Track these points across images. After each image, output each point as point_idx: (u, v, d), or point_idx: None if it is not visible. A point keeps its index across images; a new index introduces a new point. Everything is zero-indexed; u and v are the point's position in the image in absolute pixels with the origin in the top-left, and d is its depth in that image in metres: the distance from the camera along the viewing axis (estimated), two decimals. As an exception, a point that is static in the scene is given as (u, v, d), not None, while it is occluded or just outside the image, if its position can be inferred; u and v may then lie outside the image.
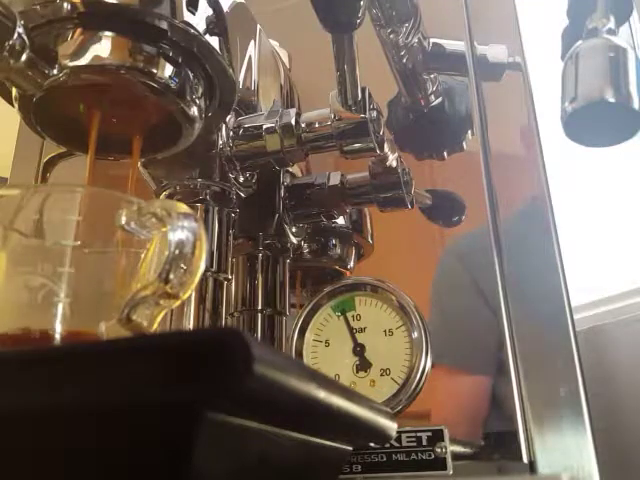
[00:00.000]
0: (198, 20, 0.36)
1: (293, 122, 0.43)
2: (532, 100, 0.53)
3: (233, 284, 0.49)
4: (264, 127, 0.44)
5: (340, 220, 0.52)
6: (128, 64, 0.34)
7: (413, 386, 0.43)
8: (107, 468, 0.21)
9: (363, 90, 0.42)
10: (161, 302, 0.28)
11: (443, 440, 0.39)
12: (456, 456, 0.41)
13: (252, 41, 0.49)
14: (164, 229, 0.28)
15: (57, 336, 0.27)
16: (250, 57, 0.49)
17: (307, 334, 0.47)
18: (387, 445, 0.40)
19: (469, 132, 0.54)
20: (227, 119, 0.44)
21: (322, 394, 0.23)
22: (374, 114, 0.42)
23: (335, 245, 0.53)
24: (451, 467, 0.39)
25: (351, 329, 0.47)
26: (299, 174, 0.52)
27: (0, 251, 0.29)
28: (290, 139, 0.43)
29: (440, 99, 0.57)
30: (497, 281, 0.47)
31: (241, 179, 0.45)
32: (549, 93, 0.48)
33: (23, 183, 0.66)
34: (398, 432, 0.39)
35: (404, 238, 0.54)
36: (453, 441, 0.40)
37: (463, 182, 0.53)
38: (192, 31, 0.36)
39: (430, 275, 0.52)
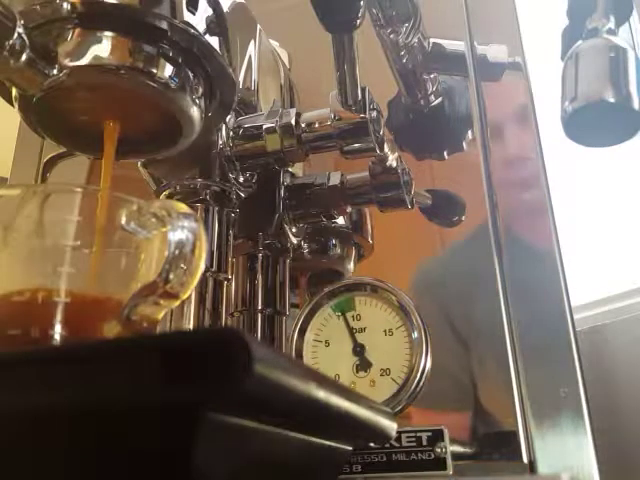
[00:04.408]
0: (198, 20, 0.36)
1: (293, 122, 0.43)
2: (532, 100, 0.53)
3: (233, 284, 0.49)
4: (264, 127, 0.44)
5: (340, 220, 0.52)
6: (128, 64, 0.34)
7: (413, 386, 0.43)
8: (107, 468, 0.21)
9: (363, 90, 0.42)
10: (161, 302, 0.28)
11: (443, 440, 0.39)
12: (456, 456, 0.40)
13: (252, 41, 0.49)
14: (164, 229, 0.28)
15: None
16: (250, 57, 0.49)
17: (307, 334, 0.47)
18: (387, 445, 0.40)
19: (469, 132, 0.54)
20: (227, 119, 0.44)
21: (322, 394, 0.23)
22: (374, 114, 0.42)
23: (335, 245, 0.53)
24: (451, 467, 0.39)
25: (351, 329, 0.46)
26: (300, 174, 0.52)
27: (0, 251, 0.29)
28: (290, 139, 0.43)
29: (440, 99, 0.57)
30: (497, 281, 0.47)
31: (241, 179, 0.45)
32: (549, 93, 0.48)
33: (23, 183, 0.66)
34: (398, 432, 0.39)
35: (404, 238, 0.54)
36: (453, 441, 0.40)
37: (463, 182, 0.53)
38: (192, 31, 0.36)
39: (430, 275, 0.52)
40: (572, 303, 0.45)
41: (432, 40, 0.55)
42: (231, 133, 0.44)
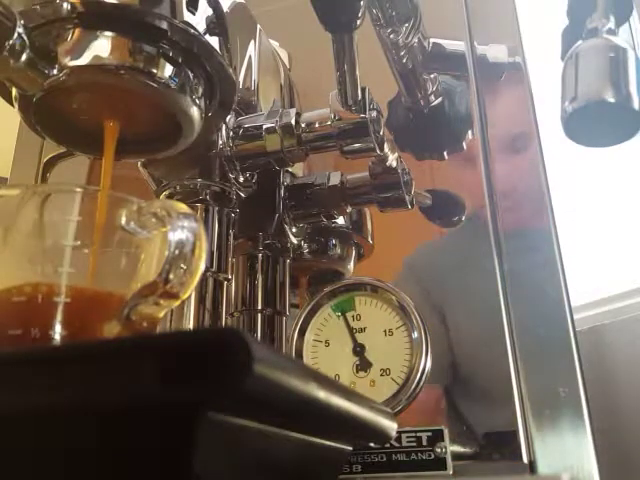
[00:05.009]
0: (198, 20, 0.36)
1: (293, 122, 0.43)
2: (532, 100, 0.53)
3: (233, 284, 0.49)
4: (264, 127, 0.44)
5: (340, 220, 0.52)
6: (128, 64, 0.34)
7: (413, 386, 0.43)
8: (107, 468, 0.21)
9: (363, 90, 0.42)
10: (161, 302, 0.28)
11: (443, 440, 0.39)
12: (456, 456, 0.41)
13: (252, 41, 0.49)
14: (164, 229, 0.28)
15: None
16: (250, 57, 0.49)
17: (307, 334, 0.47)
18: (387, 445, 0.40)
19: (469, 132, 0.54)
20: (227, 119, 0.44)
21: (322, 394, 0.23)
22: (374, 114, 0.42)
23: (335, 245, 0.53)
24: (451, 467, 0.39)
25: (351, 329, 0.46)
26: (300, 174, 0.52)
27: (0, 251, 0.29)
28: (290, 139, 0.43)
29: (440, 99, 0.57)
30: (497, 281, 0.47)
31: (241, 179, 0.45)
32: (549, 93, 0.48)
33: (23, 183, 0.66)
34: (398, 432, 0.39)
35: (404, 238, 0.54)
36: (453, 441, 0.40)
37: (463, 182, 0.53)
38: (192, 31, 0.36)
39: (429, 275, 0.52)
40: (572, 303, 0.45)
41: (432, 40, 0.55)
42: (231, 133, 0.44)
